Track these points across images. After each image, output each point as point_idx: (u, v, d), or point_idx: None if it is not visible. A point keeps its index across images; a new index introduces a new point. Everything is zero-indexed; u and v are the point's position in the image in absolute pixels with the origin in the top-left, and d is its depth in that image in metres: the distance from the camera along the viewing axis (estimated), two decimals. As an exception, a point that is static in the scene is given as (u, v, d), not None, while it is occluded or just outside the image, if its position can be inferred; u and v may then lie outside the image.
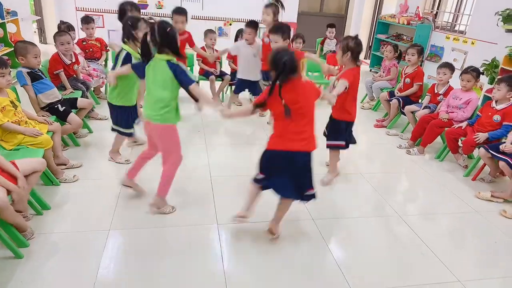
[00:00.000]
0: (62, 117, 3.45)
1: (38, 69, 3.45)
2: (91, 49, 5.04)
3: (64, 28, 4.55)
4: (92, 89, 4.65)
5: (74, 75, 4.20)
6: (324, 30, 6.80)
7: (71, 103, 3.66)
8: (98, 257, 2.27)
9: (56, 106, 3.46)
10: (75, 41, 4.79)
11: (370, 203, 3.12)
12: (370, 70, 8.15)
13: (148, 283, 2.13)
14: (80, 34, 5.56)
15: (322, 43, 6.80)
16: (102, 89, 5.20)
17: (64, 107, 3.49)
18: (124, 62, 2.99)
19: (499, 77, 4.59)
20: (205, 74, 5.23)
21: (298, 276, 2.27)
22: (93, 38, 5.09)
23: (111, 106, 3.25)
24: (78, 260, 2.25)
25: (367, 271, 2.35)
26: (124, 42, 3.05)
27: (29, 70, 3.36)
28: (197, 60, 5.36)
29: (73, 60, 4.19)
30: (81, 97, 3.93)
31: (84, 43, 5.02)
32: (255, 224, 2.64)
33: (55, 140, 3.09)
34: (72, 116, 3.48)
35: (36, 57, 3.34)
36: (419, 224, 2.88)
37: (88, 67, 4.73)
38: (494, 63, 5.11)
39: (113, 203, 2.82)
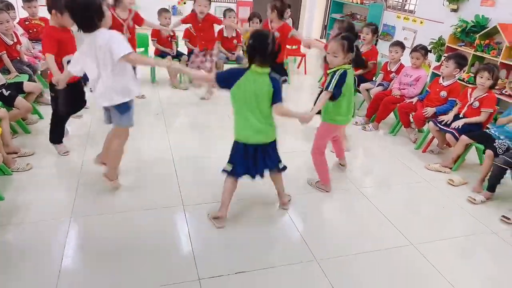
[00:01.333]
0: (8, 103, 3.25)
1: None
2: (35, 29, 4.72)
3: (2, 7, 4.22)
4: (40, 72, 4.38)
5: (18, 57, 3.93)
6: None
7: (17, 88, 3.44)
8: (61, 246, 2.22)
9: (0, 91, 3.24)
10: (16, 20, 4.46)
11: (331, 177, 3.23)
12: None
13: (115, 269, 2.11)
14: (21, 13, 5.16)
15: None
16: None
17: (9, 92, 3.27)
18: None
19: (446, 54, 4.88)
20: (161, 55, 5.09)
21: (264, 248, 2.35)
22: (37, 17, 4.76)
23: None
24: (40, 251, 2.18)
25: (329, 240, 2.48)
26: None
27: None
28: (152, 40, 5.20)
29: (15, 40, 3.91)
30: (28, 80, 3.70)
31: (26, 22, 4.69)
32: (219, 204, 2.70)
33: (3, 127, 2.92)
34: (20, 100, 3.29)
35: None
36: (376, 194, 3.05)
37: (34, 48, 4.44)
38: (441, 41, 5.39)
39: (72, 190, 2.74)
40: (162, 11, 5.14)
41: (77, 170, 2.99)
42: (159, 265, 2.15)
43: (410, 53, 4.22)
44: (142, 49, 5.41)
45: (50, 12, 2.85)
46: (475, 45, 4.71)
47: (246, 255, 2.28)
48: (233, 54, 5.33)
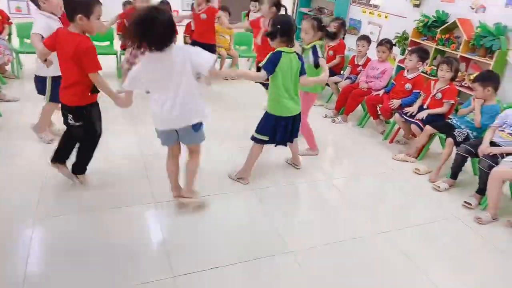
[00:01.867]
0: None
1: None
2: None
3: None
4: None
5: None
6: (249, 2, 6.81)
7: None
8: (25, 249, 2.12)
9: None
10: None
11: (301, 170, 3.31)
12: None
13: (86, 271, 2.04)
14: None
15: (247, 15, 6.82)
16: (8, 67, 4.67)
17: None
18: None
19: (409, 48, 5.06)
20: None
21: (238, 241, 2.37)
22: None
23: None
24: (2, 255, 2.08)
25: (303, 231, 2.54)
26: None
27: None
28: (117, 35, 5.06)
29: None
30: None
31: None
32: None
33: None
34: None
35: None
36: (346, 185, 3.16)
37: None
38: (405, 35, 5.58)
39: (35, 190, 2.62)
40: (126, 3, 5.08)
41: (42, 170, 2.85)
42: (131, 264, 2.11)
43: (376, 47, 4.35)
44: (107, 43, 5.26)
45: (71, 18, 2.28)
46: (436, 39, 4.92)
47: (221, 249, 2.29)
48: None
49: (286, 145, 2.96)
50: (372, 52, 4.54)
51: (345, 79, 4.68)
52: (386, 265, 2.32)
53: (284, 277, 2.15)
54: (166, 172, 2.53)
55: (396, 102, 3.92)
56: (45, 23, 2.86)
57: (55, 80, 2.80)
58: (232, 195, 2.84)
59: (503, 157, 2.86)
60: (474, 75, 4.27)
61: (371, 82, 4.35)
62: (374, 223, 2.68)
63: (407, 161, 3.60)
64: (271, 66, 2.62)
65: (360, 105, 4.47)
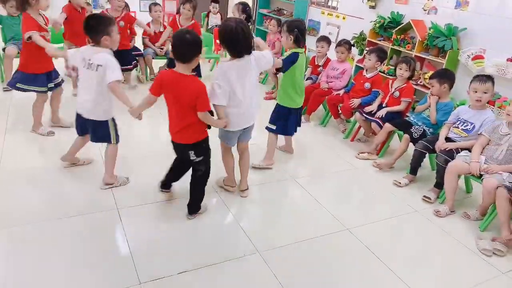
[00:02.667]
0: None
1: None
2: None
3: None
4: None
5: None
6: (208, 3, 6.75)
7: None
8: None
9: None
10: None
11: (257, 169, 3.27)
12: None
13: (48, 281, 1.93)
14: None
15: (207, 16, 6.75)
16: None
17: None
18: None
19: (367, 48, 5.19)
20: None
21: (205, 245, 2.32)
22: None
23: None
24: None
25: (269, 231, 2.52)
26: None
27: None
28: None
29: None
30: None
31: None
32: (156, 204, 2.64)
33: None
34: None
35: None
36: (310, 184, 3.17)
37: None
38: (362, 36, 5.72)
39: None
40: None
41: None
42: (96, 272, 2.02)
43: (335, 47, 4.42)
44: (61, 45, 4.97)
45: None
46: (392, 39, 5.08)
47: (188, 253, 2.23)
48: (162, 49, 5.14)
49: (293, 134, 3.43)
50: (332, 52, 4.61)
51: (306, 80, 4.71)
52: (352, 261, 2.34)
53: (253, 278, 2.12)
54: (227, 167, 2.80)
55: (356, 101, 4.00)
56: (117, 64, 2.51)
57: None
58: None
59: (458, 152, 2.98)
60: (429, 74, 4.46)
61: (332, 82, 4.41)
62: (338, 220, 2.69)
63: (369, 159, 3.68)
64: (290, 64, 3.00)
65: (321, 104, 4.53)
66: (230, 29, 2.32)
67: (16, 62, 4.37)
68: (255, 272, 2.16)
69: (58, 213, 2.42)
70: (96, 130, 2.63)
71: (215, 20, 6.67)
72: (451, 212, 2.91)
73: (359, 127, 4.13)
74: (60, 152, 3.00)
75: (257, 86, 2.61)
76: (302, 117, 4.41)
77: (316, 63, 4.73)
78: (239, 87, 2.43)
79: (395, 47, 5.03)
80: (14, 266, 2.01)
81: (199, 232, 2.43)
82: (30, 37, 2.99)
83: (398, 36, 4.99)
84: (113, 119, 2.66)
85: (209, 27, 6.68)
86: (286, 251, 2.34)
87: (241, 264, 2.20)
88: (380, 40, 5.35)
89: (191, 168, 2.52)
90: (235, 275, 2.13)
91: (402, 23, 5.02)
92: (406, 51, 4.84)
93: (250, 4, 9.44)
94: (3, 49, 4.38)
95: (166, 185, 2.66)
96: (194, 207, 2.55)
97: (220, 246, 2.33)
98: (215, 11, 6.66)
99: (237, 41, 2.36)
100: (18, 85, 3.19)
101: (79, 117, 2.63)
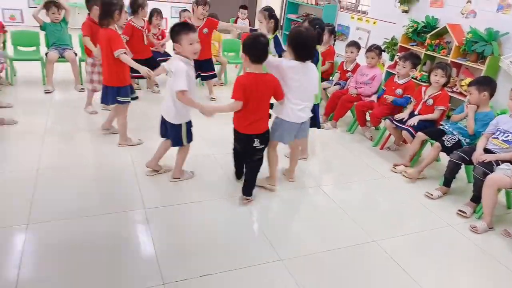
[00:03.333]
0: None
1: None
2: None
3: None
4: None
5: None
6: (236, 9, 6.77)
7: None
8: (18, 255, 2.03)
9: None
10: None
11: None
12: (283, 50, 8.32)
13: (76, 277, 1.95)
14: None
15: (236, 22, 6.75)
16: (2, 74, 4.54)
17: None
18: None
19: (398, 54, 5.01)
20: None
21: (227, 250, 2.26)
22: None
23: None
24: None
25: (293, 239, 2.42)
26: None
27: None
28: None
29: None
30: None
31: None
32: (181, 206, 2.62)
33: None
34: None
35: None
36: (336, 192, 3.04)
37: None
38: (394, 41, 5.54)
39: (28, 196, 2.52)
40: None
41: (33, 175, 2.77)
42: (121, 271, 2.02)
43: (366, 52, 4.27)
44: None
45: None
46: (426, 44, 4.88)
47: (210, 257, 2.18)
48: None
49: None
50: (362, 58, 4.47)
51: (334, 85, 4.59)
52: (378, 275, 2.20)
53: (275, 286, 2.04)
54: (272, 165, 2.87)
55: (389, 98, 3.84)
56: (186, 73, 2.51)
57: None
58: (220, 202, 2.72)
59: (498, 164, 2.77)
60: (466, 80, 4.23)
61: (361, 88, 4.26)
62: (365, 231, 2.55)
63: (406, 172, 3.39)
64: None
65: (349, 111, 4.38)
66: (299, 34, 2.56)
67: (56, 67, 4.53)
68: (277, 280, 2.08)
69: (92, 211, 2.45)
70: (170, 131, 2.72)
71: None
72: (490, 228, 2.70)
73: (389, 135, 3.96)
74: (94, 154, 3.14)
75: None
76: (329, 123, 4.33)
77: (345, 69, 4.60)
78: (300, 90, 2.65)
79: (429, 53, 4.83)
80: (45, 261, 2.03)
81: (223, 237, 2.38)
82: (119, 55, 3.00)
83: (433, 41, 4.79)
84: (187, 123, 2.70)
85: (237, 33, 6.66)
86: (310, 261, 2.24)
87: (263, 271, 2.13)
88: (413, 45, 5.16)
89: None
90: (257, 282, 2.05)
91: (437, 28, 4.82)
92: (441, 56, 4.63)
93: (278, 9, 9.43)
94: (46, 54, 4.51)
95: (240, 174, 2.93)
96: (249, 189, 2.74)
97: (243, 251, 2.26)
98: (244, 17, 6.66)
99: (303, 46, 2.57)
100: (119, 98, 3.18)
101: (162, 118, 2.74)
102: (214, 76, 4.84)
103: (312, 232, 2.52)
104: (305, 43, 2.56)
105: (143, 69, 3.05)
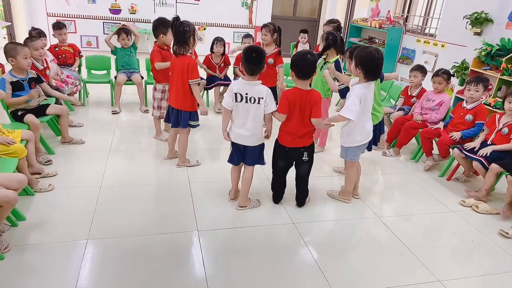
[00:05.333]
0: (19, 120, 3.38)
1: (33, 78, 3.49)
2: (63, 55, 4.91)
3: (35, 35, 4.40)
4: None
5: (47, 82, 4.06)
6: (297, 33, 6.92)
7: (41, 110, 3.55)
8: (77, 268, 2.20)
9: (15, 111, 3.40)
10: (47, 47, 4.65)
11: (348, 205, 3.15)
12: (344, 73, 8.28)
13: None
14: (51, 40, 5.40)
15: (296, 46, 6.90)
16: (76, 96, 5.09)
17: (23, 112, 3.40)
18: None
19: (469, 78, 4.75)
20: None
21: (279, 278, 2.25)
22: (66, 44, 4.96)
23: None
24: (56, 272, 2.16)
25: (348, 274, 2.36)
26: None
27: (14, 79, 3.32)
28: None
29: (45, 66, 4.07)
30: (55, 103, 3.82)
31: (56, 49, 4.89)
32: (234, 229, 2.68)
33: (29, 148, 2.98)
34: (28, 116, 3.35)
35: (26, 58, 3.34)
36: (397, 225, 2.92)
37: (62, 73, 4.59)
38: (464, 65, 5.29)
39: (90, 211, 2.75)
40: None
41: (96, 191, 3.01)
42: None
43: (432, 77, 4.13)
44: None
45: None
46: (501, 69, 4.59)
47: (262, 286, 2.19)
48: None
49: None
50: (428, 82, 4.32)
51: (397, 110, 4.47)
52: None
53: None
54: (352, 181, 3.12)
55: (456, 134, 3.65)
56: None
57: None
58: (276, 228, 2.76)
59: None
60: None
61: (426, 114, 4.11)
62: (428, 269, 2.42)
63: (478, 206, 3.18)
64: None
65: (414, 138, 4.23)
66: (372, 56, 2.70)
67: (124, 89, 4.99)
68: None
69: (149, 230, 2.59)
70: (250, 154, 2.83)
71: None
72: None
73: (458, 165, 3.75)
74: (153, 174, 3.30)
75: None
76: (391, 150, 4.22)
77: (409, 94, 4.47)
78: (368, 105, 2.83)
79: (505, 77, 4.53)
80: (99, 279, 2.17)
81: (273, 263, 2.38)
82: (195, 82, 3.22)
83: (509, 65, 4.49)
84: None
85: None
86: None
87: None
88: (486, 70, 4.88)
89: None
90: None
91: (514, 51, 4.52)
92: (518, 82, 4.33)
93: (340, 33, 9.44)
94: (115, 77, 4.99)
95: (280, 196, 3.05)
96: (303, 199, 3.01)
97: (294, 282, 2.25)
98: (304, 41, 6.78)
99: (375, 67, 2.73)
100: (191, 123, 3.40)
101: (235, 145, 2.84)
102: None
103: (370, 267, 2.44)
104: (376, 63, 2.73)
105: (205, 108, 3.32)
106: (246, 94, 2.63)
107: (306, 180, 2.94)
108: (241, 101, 2.65)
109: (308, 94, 2.64)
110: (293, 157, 2.82)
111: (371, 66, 2.72)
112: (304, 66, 2.58)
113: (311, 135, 2.80)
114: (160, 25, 3.81)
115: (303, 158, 2.80)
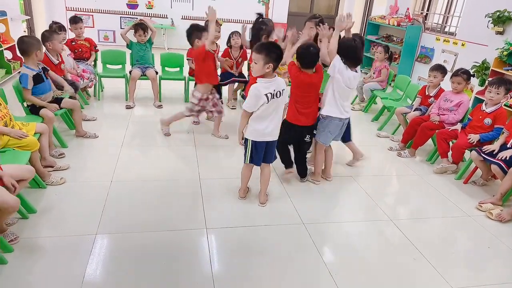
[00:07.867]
0: (35, 113, 3.44)
1: (43, 67, 3.54)
2: (80, 49, 4.95)
3: (55, 29, 4.44)
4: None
5: (62, 75, 4.11)
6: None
7: (56, 103, 3.59)
8: (85, 262, 2.22)
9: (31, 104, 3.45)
10: (65, 41, 4.71)
11: (361, 206, 3.10)
12: (361, 71, 8.16)
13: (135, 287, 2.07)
14: (69, 34, 5.46)
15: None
16: (91, 90, 5.14)
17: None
18: None
19: (490, 79, 4.62)
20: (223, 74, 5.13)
21: (286, 280, 2.23)
22: (82, 38, 5.00)
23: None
24: (64, 265, 2.19)
25: (358, 276, 2.31)
26: None
27: (35, 73, 3.36)
28: (187, 60, 5.23)
29: (60, 60, 4.11)
30: (70, 98, 3.85)
31: (73, 43, 4.93)
32: (243, 228, 2.66)
33: (42, 141, 3.01)
34: (44, 111, 3.39)
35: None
36: (411, 227, 2.85)
37: (78, 67, 4.63)
38: (485, 65, 5.13)
39: (100, 206, 2.76)
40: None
41: (107, 185, 3.03)
42: (178, 285, 2.11)
43: (451, 77, 4.00)
44: (177, 69, 5.52)
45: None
46: (523, 69, 4.44)
47: (269, 287, 2.17)
48: None
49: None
50: (446, 82, 4.20)
51: (414, 110, 4.37)
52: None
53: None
54: (321, 163, 3.37)
55: (474, 137, 3.53)
56: None
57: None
58: (285, 227, 2.72)
59: None
60: None
61: (444, 115, 4.00)
62: (442, 277, 2.36)
63: (491, 212, 3.08)
64: None
65: (430, 139, 4.12)
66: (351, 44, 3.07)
67: (139, 84, 5.02)
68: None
69: (158, 227, 2.60)
70: (273, 149, 2.89)
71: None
72: None
73: (475, 168, 3.64)
74: (164, 169, 3.32)
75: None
76: (407, 151, 4.12)
77: (427, 93, 4.36)
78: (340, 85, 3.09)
79: (527, 79, 4.36)
80: (106, 274, 2.18)
81: (281, 264, 2.36)
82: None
83: (531, 66, 4.34)
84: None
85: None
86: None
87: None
88: (508, 70, 4.73)
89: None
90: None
91: (538, 51, 4.36)
92: (541, 83, 4.16)
93: (357, 30, 9.32)
94: (130, 72, 5.01)
95: (290, 163, 3.33)
96: (305, 171, 3.36)
97: (302, 282, 2.22)
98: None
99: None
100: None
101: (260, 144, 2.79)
102: None
103: (382, 272, 2.38)
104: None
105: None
106: (274, 90, 2.62)
107: (305, 156, 3.36)
108: (272, 98, 2.62)
109: (315, 77, 2.99)
110: (298, 134, 3.15)
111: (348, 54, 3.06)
112: (308, 58, 2.89)
113: (316, 113, 3.16)
114: (194, 31, 3.81)
115: (306, 139, 3.18)
